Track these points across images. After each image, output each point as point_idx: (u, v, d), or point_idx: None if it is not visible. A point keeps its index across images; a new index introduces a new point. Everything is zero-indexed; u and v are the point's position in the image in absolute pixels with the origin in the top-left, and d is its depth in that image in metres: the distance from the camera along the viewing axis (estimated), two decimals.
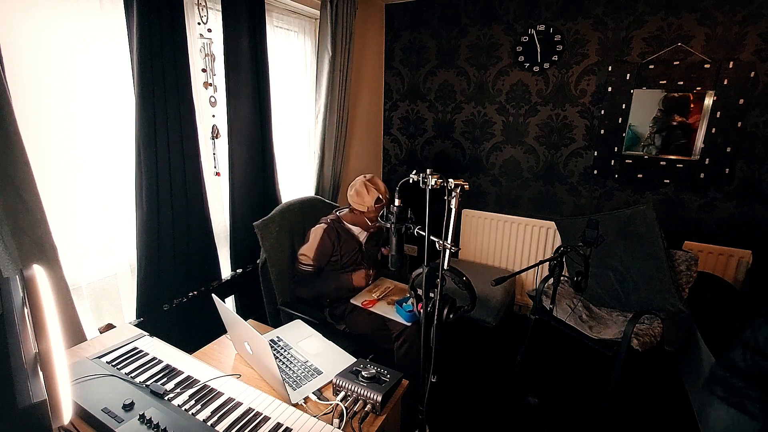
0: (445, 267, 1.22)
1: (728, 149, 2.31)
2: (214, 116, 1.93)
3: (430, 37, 3.07)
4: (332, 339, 1.53)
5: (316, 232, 1.94)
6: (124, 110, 1.61)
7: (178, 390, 1.10)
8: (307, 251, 1.92)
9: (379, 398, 1.11)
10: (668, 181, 2.51)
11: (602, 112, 2.59)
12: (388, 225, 1.32)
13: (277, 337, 1.53)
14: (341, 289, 1.95)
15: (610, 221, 2.20)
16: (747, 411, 1.51)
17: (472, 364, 2.48)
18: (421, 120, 3.28)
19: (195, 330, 1.78)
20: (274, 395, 1.13)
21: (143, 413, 0.98)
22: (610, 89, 2.53)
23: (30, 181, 1.22)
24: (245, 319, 1.24)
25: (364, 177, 1.94)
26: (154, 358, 1.24)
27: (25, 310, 0.81)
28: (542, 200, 2.97)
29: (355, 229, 2.01)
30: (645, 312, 2.07)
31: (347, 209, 2.02)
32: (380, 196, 1.89)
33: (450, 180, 1.15)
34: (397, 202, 1.29)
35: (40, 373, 0.72)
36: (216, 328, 1.46)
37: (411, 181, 1.22)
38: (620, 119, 2.54)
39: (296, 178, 2.66)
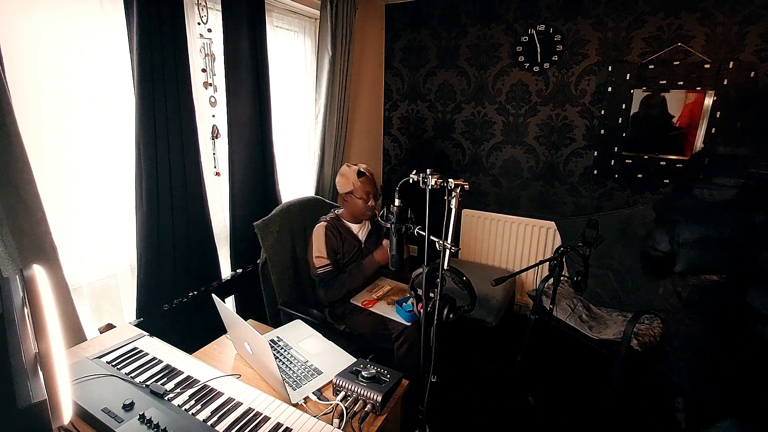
0: (445, 267, 1.22)
1: None
2: (214, 116, 1.93)
3: (430, 37, 3.06)
4: (332, 339, 1.53)
5: (318, 230, 1.95)
6: (124, 110, 1.60)
7: (178, 390, 1.10)
8: (319, 252, 1.92)
9: (379, 398, 1.11)
10: (668, 181, 2.51)
11: (602, 112, 2.59)
12: (388, 225, 1.32)
13: (277, 337, 1.53)
14: (369, 271, 1.94)
15: (610, 221, 2.20)
16: None
17: (472, 364, 2.48)
18: (421, 120, 3.28)
19: (195, 330, 1.78)
20: (274, 395, 1.13)
21: (143, 413, 0.97)
22: (610, 89, 2.52)
23: (30, 181, 1.22)
24: (245, 319, 1.24)
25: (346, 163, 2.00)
26: (154, 358, 1.24)
27: (25, 310, 0.81)
28: (542, 200, 2.96)
29: (355, 227, 2.02)
30: (645, 312, 2.07)
31: (343, 208, 2.04)
32: (361, 169, 1.91)
33: (450, 180, 1.15)
34: (397, 202, 1.29)
35: (40, 373, 0.72)
36: (216, 328, 1.46)
37: (411, 181, 1.21)
38: (620, 119, 2.54)
39: (296, 178, 2.66)
